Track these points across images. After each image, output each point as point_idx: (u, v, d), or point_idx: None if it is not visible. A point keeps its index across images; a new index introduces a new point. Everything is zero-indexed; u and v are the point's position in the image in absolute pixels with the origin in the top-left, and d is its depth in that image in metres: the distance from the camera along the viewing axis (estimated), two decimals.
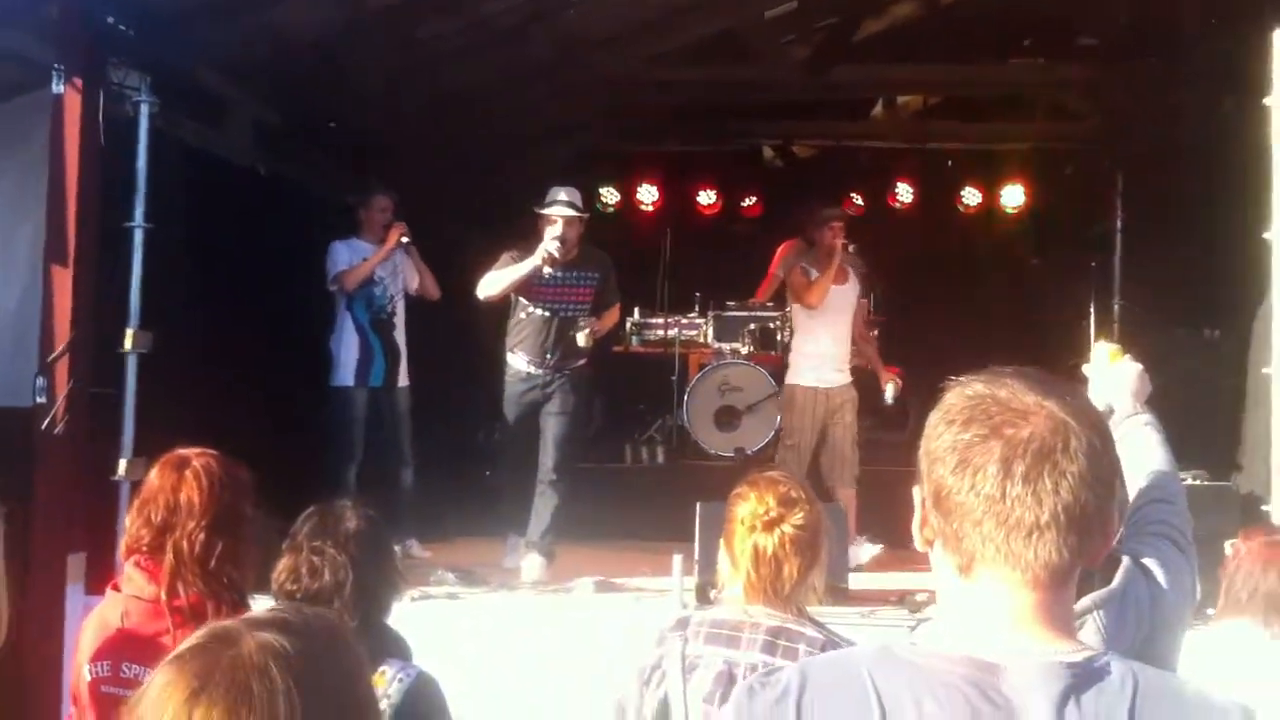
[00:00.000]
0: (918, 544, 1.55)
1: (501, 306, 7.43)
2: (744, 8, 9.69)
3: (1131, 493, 2.24)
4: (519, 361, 7.24)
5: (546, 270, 6.99)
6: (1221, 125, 9.55)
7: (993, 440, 1.43)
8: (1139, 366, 2.58)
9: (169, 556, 3.10)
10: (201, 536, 3.12)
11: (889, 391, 8.35)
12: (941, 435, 1.47)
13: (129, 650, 3.07)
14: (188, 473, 3.18)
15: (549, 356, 7.16)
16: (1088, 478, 1.42)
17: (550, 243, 6.97)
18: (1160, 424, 2.35)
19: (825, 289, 8.00)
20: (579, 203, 7.25)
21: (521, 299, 7.22)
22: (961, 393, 1.49)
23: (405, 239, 7.70)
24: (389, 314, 7.79)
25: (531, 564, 6.97)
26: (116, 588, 3.19)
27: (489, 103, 10.08)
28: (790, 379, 8.19)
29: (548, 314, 7.17)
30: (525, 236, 7.27)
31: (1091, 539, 1.44)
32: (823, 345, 8.07)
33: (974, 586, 1.46)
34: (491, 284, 7.16)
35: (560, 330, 7.17)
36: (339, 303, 7.74)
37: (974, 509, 1.43)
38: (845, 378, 8.13)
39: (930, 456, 1.48)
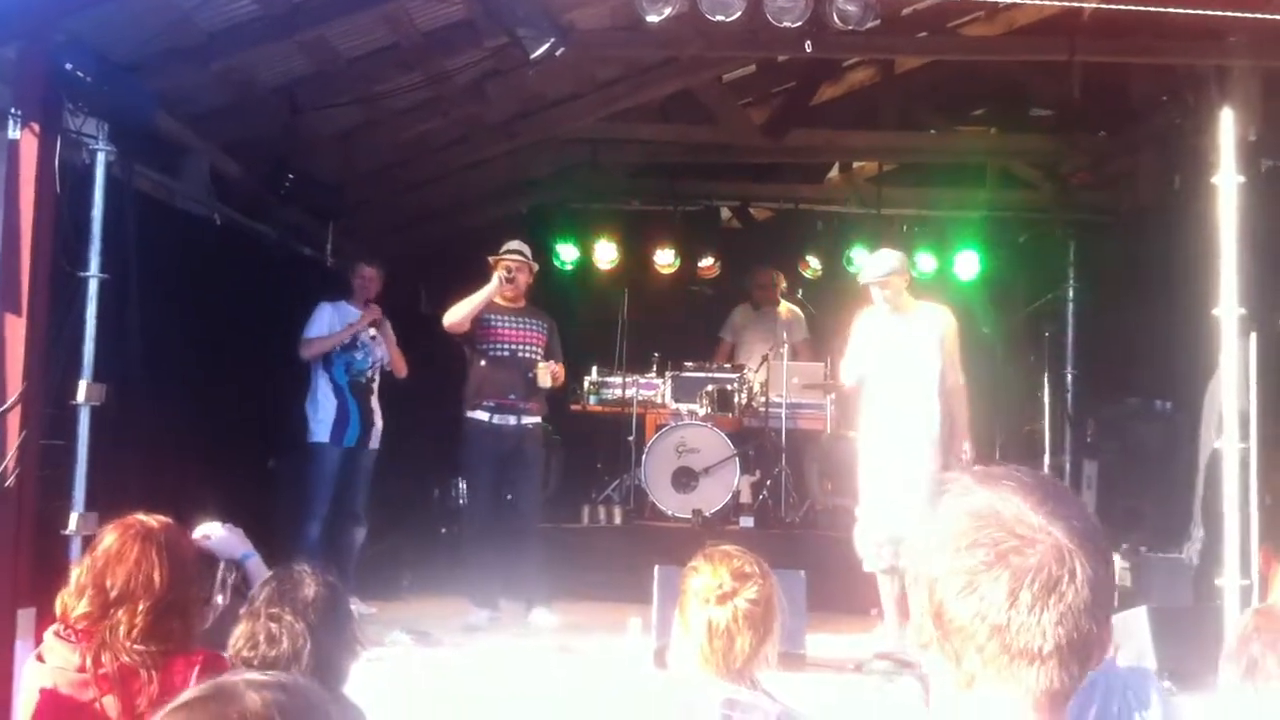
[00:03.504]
0: (914, 644, 1.54)
1: (459, 362, 7.70)
2: (702, 70, 9.76)
3: None
4: (482, 414, 7.46)
5: (499, 317, 7.55)
6: (1171, 199, 9.73)
7: (998, 568, 1.41)
8: None
9: (104, 628, 3.03)
10: (149, 619, 3.05)
11: None
12: (944, 555, 1.46)
13: None
14: (153, 549, 3.10)
15: (512, 396, 7.44)
16: (1091, 607, 1.42)
17: (502, 270, 7.57)
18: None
19: None
20: (529, 254, 7.79)
21: (480, 346, 7.51)
22: (963, 508, 1.47)
23: (373, 331, 7.84)
24: (368, 379, 7.87)
25: (545, 618, 7.22)
26: (40, 659, 3.11)
27: (447, 158, 10.10)
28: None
29: (507, 354, 7.54)
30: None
31: (1090, 662, 1.45)
32: None
33: (974, 703, 1.46)
34: (456, 311, 7.50)
35: (521, 370, 7.52)
36: (316, 361, 7.77)
37: (977, 634, 1.42)
38: None
39: (931, 574, 1.47)
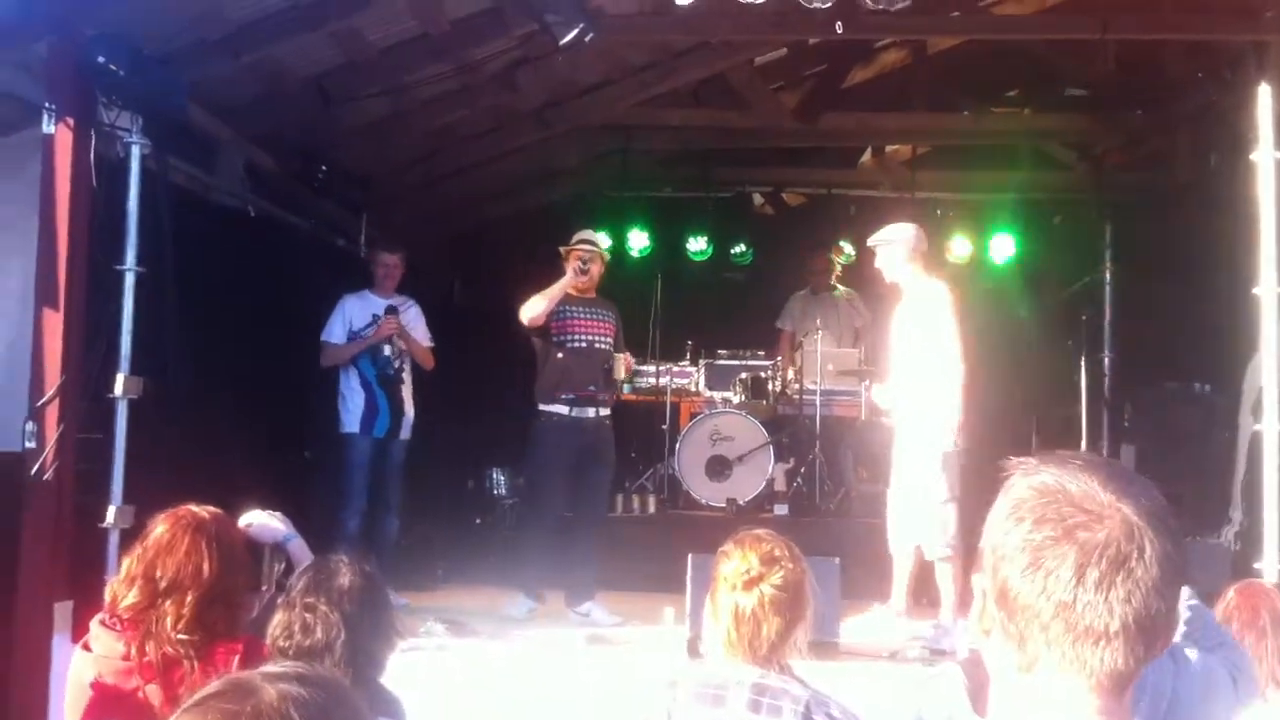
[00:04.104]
0: (974, 633, 1.50)
1: (493, 353, 7.68)
2: (733, 54, 9.70)
3: None
4: (561, 407, 7.34)
5: (574, 308, 7.44)
6: (1209, 178, 9.61)
7: (1065, 543, 1.38)
8: None
9: (151, 618, 3.05)
10: (196, 610, 3.06)
11: None
12: (1010, 532, 1.42)
13: (109, 709, 3.04)
14: (203, 540, 3.11)
15: (592, 388, 7.35)
16: (1160, 586, 1.37)
17: (576, 262, 7.45)
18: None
19: None
20: (600, 244, 7.80)
21: (556, 338, 7.41)
22: (1030, 485, 1.43)
23: (388, 346, 7.77)
24: (395, 370, 7.85)
25: (604, 616, 7.17)
26: (87, 647, 3.13)
27: (479, 147, 10.09)
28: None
29: (584, 345, 7.44)
30: (541, 273, 7.66)
31: (1157, 644, 1.41)
32: None
33: (1035, 686, 1.42)
34: (533, 306, 7.38)
35: (598, 361, 7.44)
36: None
37: (1042, 612, 1.38)
38: None
39: (997, 553, 1.43)
